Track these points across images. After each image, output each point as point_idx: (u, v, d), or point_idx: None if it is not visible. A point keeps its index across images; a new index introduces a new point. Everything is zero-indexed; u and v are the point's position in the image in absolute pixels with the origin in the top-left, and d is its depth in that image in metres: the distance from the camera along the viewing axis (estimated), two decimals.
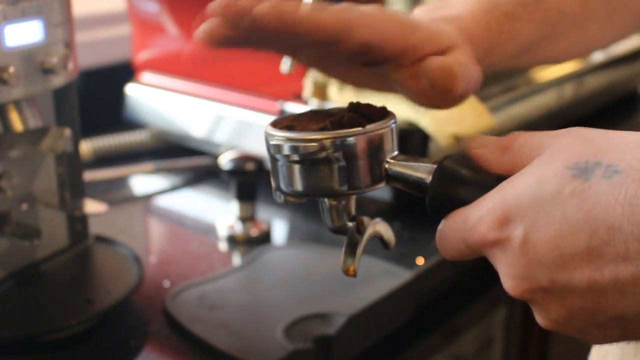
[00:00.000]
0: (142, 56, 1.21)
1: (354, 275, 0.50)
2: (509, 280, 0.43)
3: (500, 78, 1.17)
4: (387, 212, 0.97)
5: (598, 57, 1.39)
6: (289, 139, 0.48)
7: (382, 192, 0.95)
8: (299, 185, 0.49)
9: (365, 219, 0.52)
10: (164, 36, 1.18)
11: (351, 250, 0.51)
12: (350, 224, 0.52)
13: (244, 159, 0.94)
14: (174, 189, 1.11)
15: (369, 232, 0.52)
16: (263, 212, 0.99)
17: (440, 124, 0.98)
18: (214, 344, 0.71)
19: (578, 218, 0.40)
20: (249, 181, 0.94)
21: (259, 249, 0.90)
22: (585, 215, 0.40)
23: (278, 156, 0.49)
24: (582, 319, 0.42)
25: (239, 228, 0.94)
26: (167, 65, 1.19)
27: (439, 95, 0.50)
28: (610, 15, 0.63)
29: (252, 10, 0.46)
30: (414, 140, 0.95)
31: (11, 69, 0.66)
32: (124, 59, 1.31)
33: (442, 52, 0.51)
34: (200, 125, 1.12)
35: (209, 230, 0.98)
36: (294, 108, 1.01)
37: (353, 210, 0.52)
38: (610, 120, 1.38)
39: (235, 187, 0.95)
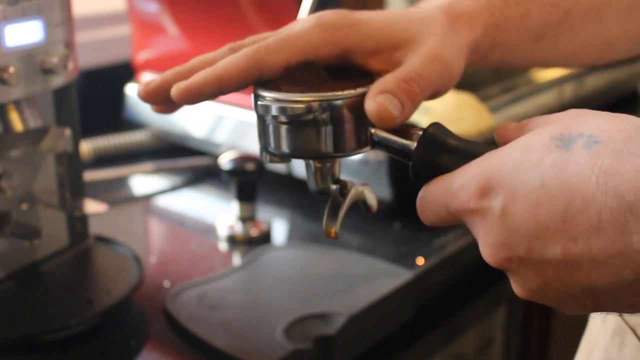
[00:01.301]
0: (142, 56, 1.21)
1: (336, 237, 0.51)
2: (487, 248, 0.43)
3: (500, 78, 1.17)
4: (387, 212, 0.97)
5: None
6: (277, 100, 0.48)
7: (382, 192, 0.95)
8: (285, 147, 0.50)
9: (349, 182, 0.52)
10: (164, 36, 1.18)
11: (333, 212, 0.51)
12: (333, 187, 0.52)
13: (244, 159, 0.94)
14: (174, 189, 1.11)
15: (351, 195, 0.52)
16: (263, 212, 0.99)
17: None
18: (214, 344, 0.71)
19: (556, 187, 0.40)
20: (249, 181, 0.94)
21: (259, 249, 0.90)
22: (563, 184, 0.40)
23: (266, 117, 0.49)
24: (556, 289, 0.42)
25: (239, 228, 0.94)
26: (167, 65, 1.18)
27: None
28: (629, 9, 0.63)
29: (172, 94, 0.52)
30: None
31: (11, 69, 0.66)
32: (124, 59, 1.32)
33: (392, 48, 0.52)
34: (200, 125, 1.12)
35: (209, 230, 0.98)
36: None
37: (337, 173, 0.52)
38: None
39: (235, 187, 0.95)
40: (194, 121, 1.12)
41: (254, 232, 0.94)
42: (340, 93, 0.48)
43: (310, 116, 0.48)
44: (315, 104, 0.48)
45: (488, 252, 0.43)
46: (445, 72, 0.52)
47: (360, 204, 0.53)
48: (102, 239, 0.86)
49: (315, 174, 0.52)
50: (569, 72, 1.29)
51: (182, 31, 1.16)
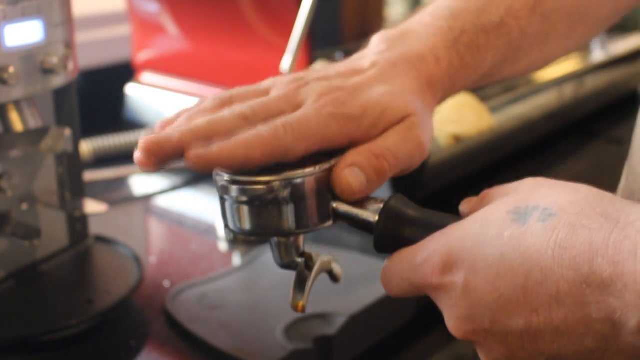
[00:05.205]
0: (142, 56, 1.21)
1: (303, 311, 0.51)
2: (453, 321, 0.45)
3: None
4: None
5: (598, 57, 1.39)
6: (236, 181, 0.48)
7: (382, 192, 0.95)
8: (247, 225, 0.49)
9: (314, 254, 0.52)
10: (164, 36, 1.18)
11: (300, 286, 0.52)
12: (299, 260, 0.52)
13: None
14: (174, 189, 1.11)
15: (317, 267, 0.52)
16: None
17: (440, 124, 0.98)
18: (214, 344, 0.71)
19: (514, 260, 0.41)
20: None
21: (259, 249, 0.90)
22: (521, 257, 0.41)
23: (226, 196, 0.49)
24: (522, 357, 0.43)
25: None
26: (167, 65, 1.19)
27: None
28: (571, 29, 0.63)
29: (189, 159, 0.46)
30: None
31: (11, 69, 0.66)
32: (124, 59, 1.32)
33: (396, 123, 0.51)
34: None
35: (209, 230, 0.98)
36: None
37: (302, 246, 0.52)
38: (610, 120, 1.38)
39: None
40: None
41: None
42: (301, 172, 0.48)
43: (271, 196, 0.47)
44: (276, 184, 0.47)
45: (453, 325, 0.45)
46: (418, 152, 0.52)
47: (327, 274, 0.54)
48: (102, 239, 0.86)
49: (279, 249, 0.51)
50: (569, 72, 1.29)
51: (182, 31, 1.16)
